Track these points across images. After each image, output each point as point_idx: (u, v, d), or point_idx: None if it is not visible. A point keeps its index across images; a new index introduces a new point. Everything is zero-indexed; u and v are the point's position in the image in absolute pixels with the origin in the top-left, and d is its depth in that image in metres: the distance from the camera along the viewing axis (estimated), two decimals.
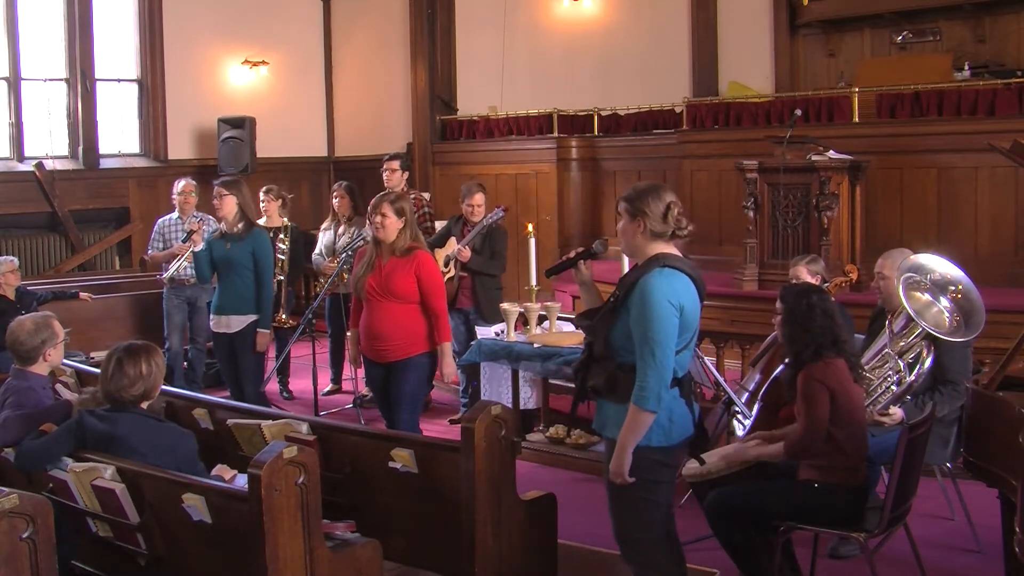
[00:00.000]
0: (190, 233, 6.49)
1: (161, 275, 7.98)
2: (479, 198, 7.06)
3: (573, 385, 3.86)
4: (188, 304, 7.93)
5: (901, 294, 4.55)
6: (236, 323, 6.29)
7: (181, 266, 7.64)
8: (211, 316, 6.47)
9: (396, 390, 5.30)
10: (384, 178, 7.66)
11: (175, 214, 8.06)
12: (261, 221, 7.15)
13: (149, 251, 8.23)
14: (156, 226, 8.15)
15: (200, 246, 6.36)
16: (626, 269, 5.92)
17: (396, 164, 7.70)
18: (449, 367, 5.39)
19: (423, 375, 5.37)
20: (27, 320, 4.51)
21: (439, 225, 8.13)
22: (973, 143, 7.46)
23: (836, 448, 4.02)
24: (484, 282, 7.05)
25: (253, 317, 6.29)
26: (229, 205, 6.33)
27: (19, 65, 10.29)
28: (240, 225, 6.34)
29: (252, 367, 6.32)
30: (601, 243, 3.94)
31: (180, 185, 8.08)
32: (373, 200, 5.39)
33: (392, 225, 5.24)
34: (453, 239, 7.10)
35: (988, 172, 7.72)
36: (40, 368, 4.45)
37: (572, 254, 3.84)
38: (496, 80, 11.30)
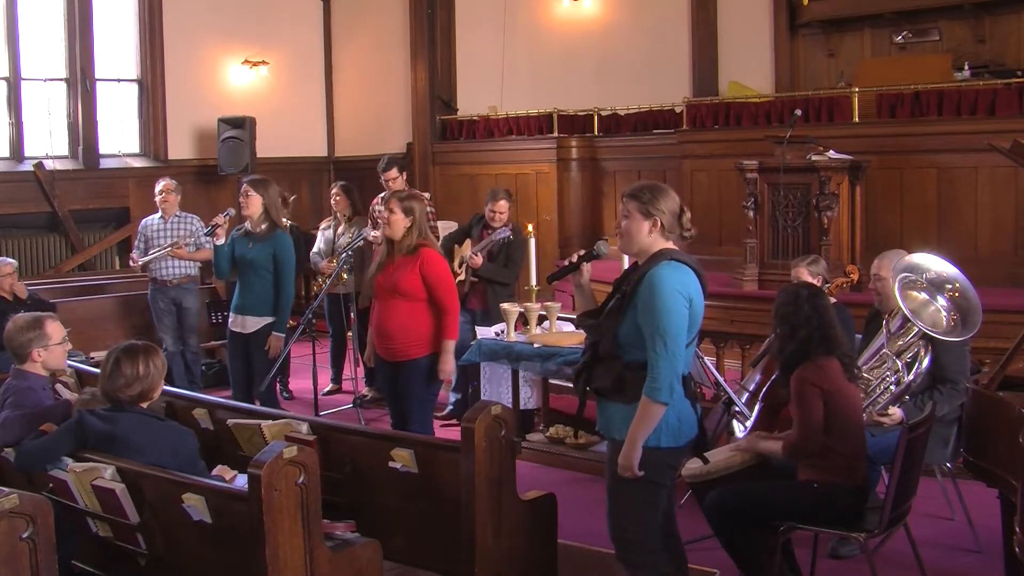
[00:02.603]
0: (214, 227, 6.36)
1: (138, 262, 7.80)
2: (502, 205, 7.01)
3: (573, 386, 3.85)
4: (175, 305, 7.87)
5: (897, 294, 4.55)
6: (251, 323, 6.20)
7: (158, 258, 7.61)
8: (230, 314, 6.40)
9: (405, 390, 5.31)
10: (386, 188, 7.57)
11: (158, 215, 7.94)
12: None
13: (134, 252, 8.00)
14: (140, 227, 8.04)
15: (221, 240, 6.32)
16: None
17: (395, 172, 7.52)
18: (447, 364, 5.34)
19: (431, 375, 5.35)
20: (21, 317, 4.54)
21: (441, 224, 8.12)
22: (973, 143, 7.45)
23: (833, 449, 4.02)
24: (496, 287, 7.05)
25: (269, 319, 6.18)
26: (255, 204, 6.21)
27: (19, 65, 10.27)
28: (264, 226, 6.23)
29: (265, 369, 6.13)
30: (604, 244, 3.91)
31: (160, 185, 7.95)
32: (384, 194, 5.38)
33: (398, 222, 5.24)
34: (469, 241, 7.10)
35: (988, 172, 7.71)
36: (35, 368, 4.44)
37: (575, 257, 3.80)
38: (496, 80, 11.30)
